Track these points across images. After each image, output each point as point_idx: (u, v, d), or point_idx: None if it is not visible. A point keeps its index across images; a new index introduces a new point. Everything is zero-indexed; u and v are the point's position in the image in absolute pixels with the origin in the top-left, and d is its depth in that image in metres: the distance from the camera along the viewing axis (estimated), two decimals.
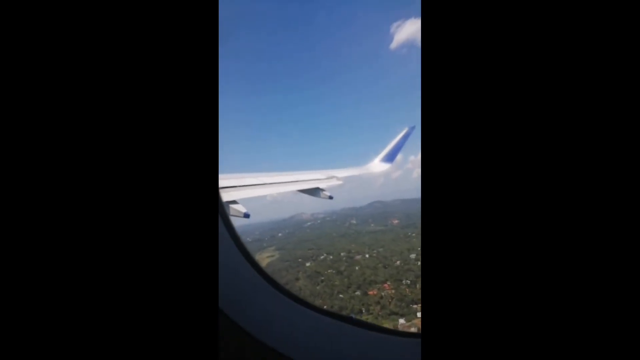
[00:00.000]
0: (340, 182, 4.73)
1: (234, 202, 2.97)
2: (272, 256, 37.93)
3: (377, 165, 6.44)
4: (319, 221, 55.04)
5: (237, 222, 2.57)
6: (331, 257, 30.86)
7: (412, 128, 6.88)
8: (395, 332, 1.03)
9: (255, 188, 3.52)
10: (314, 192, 4.18)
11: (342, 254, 30.88)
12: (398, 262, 26.44)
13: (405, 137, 6.88)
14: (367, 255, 29.37)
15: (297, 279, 26.02)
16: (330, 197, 4.08)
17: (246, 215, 2.74)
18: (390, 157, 6.57)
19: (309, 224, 54.70)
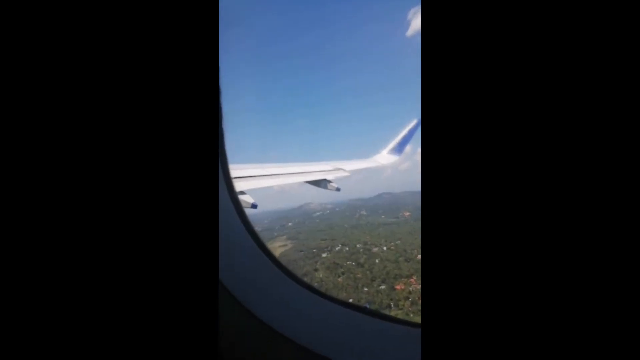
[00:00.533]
0: (347, 174, 4.72)
1: (242, 192, 3.02)
2: (285, 246, 37.80)
3: (384, 157, 6.40)
4: (327, 211, 54.84)
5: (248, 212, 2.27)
6: (347, 248, 30.70)
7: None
8: (408, 323, 1.03)
9: (262, 179, 3.58)
10: (321, 183, 4.22)
11: (357, 245, 30.69)
12: (419, 256, 26.30)
13: (414, 129, 6.81)
14: (384, 248, 29.19)
15: (316, 270, 25.87)
16: (338, 189, 4.13)
17: (254, 206, 2.82)
18: (398, 149, 6.56)
19: (317, 213, 54.52)
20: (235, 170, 3.52)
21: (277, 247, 37.69)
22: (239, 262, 1.06)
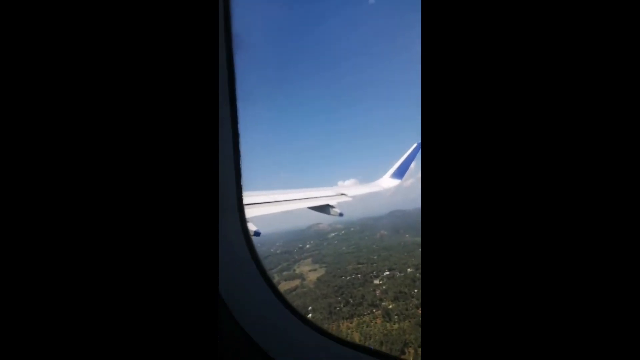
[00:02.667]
0: (349, 199, 4.67)
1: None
2: (316, 270, 34.93)
3: (387, 181, 6.53)
4: (343, 232, 52.59)
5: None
6: (399, 273, 28.15)
7: (420, 144, 5.89)
8: None
9: (265, 206, 3.56)
10: (324, 209, 4.24)
11: (409, 270, 28.21)
12: None
13: (414, 153, 6.97)
14: None
15: (382, 300, 23.02)
16: (341, 215, 4.22)
17: (256, 234, 2.80)
18: (400, 173, 6.74)
19: (332, 234, 52.10)
20: None
21: (308, 272, 34.78)
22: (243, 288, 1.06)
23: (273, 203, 3.75)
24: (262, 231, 2.98)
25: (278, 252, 45.09)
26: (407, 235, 41.61)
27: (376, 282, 27.33)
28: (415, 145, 7.14)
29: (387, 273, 28.52)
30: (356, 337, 17.72)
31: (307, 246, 46.20)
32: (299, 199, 4.24)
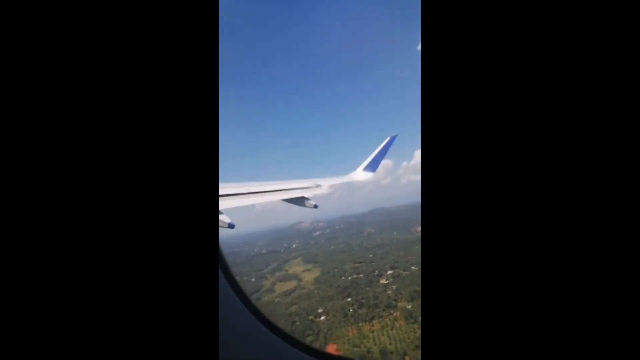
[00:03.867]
0: (325, 192, 4.78)
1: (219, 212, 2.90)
2: (310, 270, 33.30)
3: (360, 175, 6.59)
4: (328, 230, 51.44)
5: (228, 232, 2.71)
6: (403, 272, 27.31)
7: (394, 137, 7.02)
8: None
9: (240, 198, 3.44)
10: (299, 201, 4.14)
11: (413, 268, 27.47)
12: None
13: (387, 147, 6.97)
14: None
15: (398, 301, 21.88)
16: (315, 206, 4.12)
17: (230, 226, 2.67)
18: (372, 167, 6.74)
19: (317, 233, 50.75)
20: None
21: (302, 272, 33.04)
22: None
23: (247, 195, 3.60)
24: (241, 231, 2.76)
25: (264, 251, 42.84)
26: (394, 233, 41.25)
27: (383, 281, 26.23)
28: (388, 138, 7.03)
29: (390, 272, 27.60)
30: (386, 341, 16.36)
31: (294, 245, 44.34)
32: (274, 191, 4.10)
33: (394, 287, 24.07)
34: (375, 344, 16.47)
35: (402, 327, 17.88)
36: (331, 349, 16.98)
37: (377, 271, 27.83)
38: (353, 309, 21.02)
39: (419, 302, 21.93)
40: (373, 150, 7.03)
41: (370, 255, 33.09)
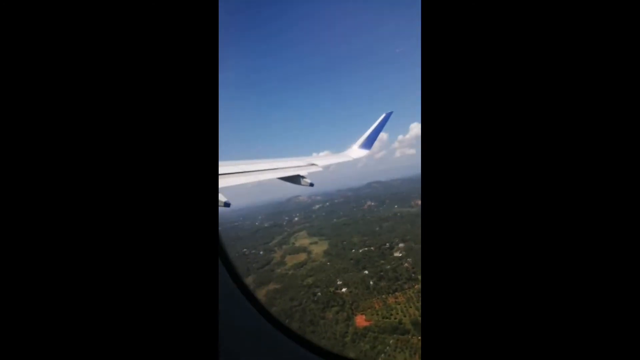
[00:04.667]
0: (320, 169, 4.76)
1: None
2: (316, 243, 33.46)
3: (355, 152, 6.58)
4: (327, 204, 51.41)
5: (224, 209, 2.66)
6: (415, 244, 27.76)
7: (389, 114, 7.03)
8: None
9: (235, 176, 3.44)
10: (295, 179, 4.17)
11: None
12: None
13: (383, 123, 6.98)
14: None
15: (418, 272, 22.34)
16: (311, 184, 4.18)
17: (227, 205, 2.68)
18: (368, 144, 6.71)
19: (317, 206, 50.66)
20: None
21: (309, 245, 33.18)
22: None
23: (242, 173, 3.58)
24: (235, 204, 2.80)
25: (266, 225, 42.61)
26: (395, 206, 41.63)
27: (396, 254, 26.60)
28: (383, 115, 7.05)
29: (402, 245, 27.95)
30: (416, 313, 16.74)
31: (296, 219, 44.25)
32: (269, 169, 4.11)
33: (409, 259, 24.47)
34: (405, 316, 16.84)
35: None
36: (360, 319, 17.29)
37: (387, 244, 28.16)
38: (373, 282, 21.34)
39: None
40: (369, 126, 6.99)
41: (377, 229, 33.37)
